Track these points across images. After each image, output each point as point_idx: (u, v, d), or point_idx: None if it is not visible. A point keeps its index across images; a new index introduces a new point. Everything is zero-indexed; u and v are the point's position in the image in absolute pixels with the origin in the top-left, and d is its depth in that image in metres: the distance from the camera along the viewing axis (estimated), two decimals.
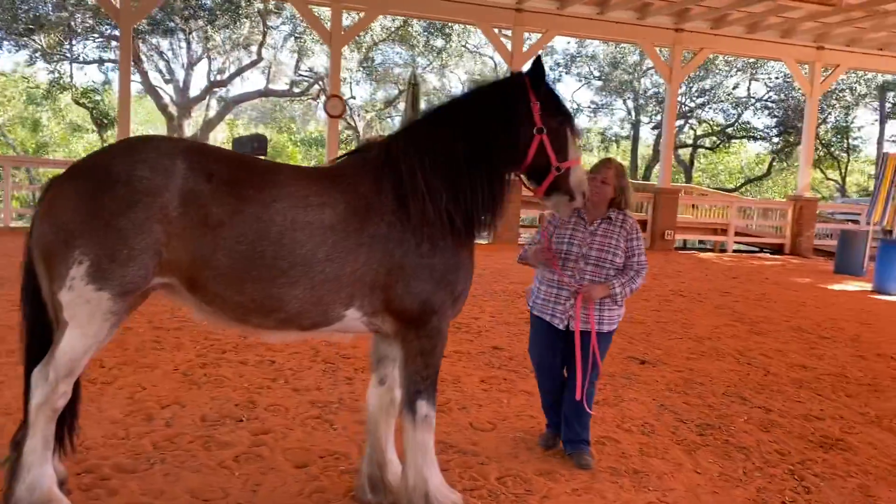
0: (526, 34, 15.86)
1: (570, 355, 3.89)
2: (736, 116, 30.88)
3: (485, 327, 7.21)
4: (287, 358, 5.68)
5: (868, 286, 12.63)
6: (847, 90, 28.15)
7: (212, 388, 4.88)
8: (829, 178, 35.11)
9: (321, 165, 3.57)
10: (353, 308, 3.06)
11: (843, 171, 33.37)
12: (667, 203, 17.06)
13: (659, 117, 29.65)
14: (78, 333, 2.82)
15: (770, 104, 29.57)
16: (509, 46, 15.57)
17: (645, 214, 17.55)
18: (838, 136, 31.70)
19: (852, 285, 12.89)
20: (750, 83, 30.39)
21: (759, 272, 14.12)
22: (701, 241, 20.85)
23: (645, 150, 35.08)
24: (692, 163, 33.54)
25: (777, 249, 18.62)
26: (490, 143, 3.17)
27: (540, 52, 13.85)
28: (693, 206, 20.74)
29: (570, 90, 31.65)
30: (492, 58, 28.19)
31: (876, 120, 32.27)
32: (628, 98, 32.33)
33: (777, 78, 28.38)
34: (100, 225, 2.74)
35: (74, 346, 2.83)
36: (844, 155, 32.60)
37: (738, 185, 34.96)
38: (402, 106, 23.75)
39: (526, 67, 3.30)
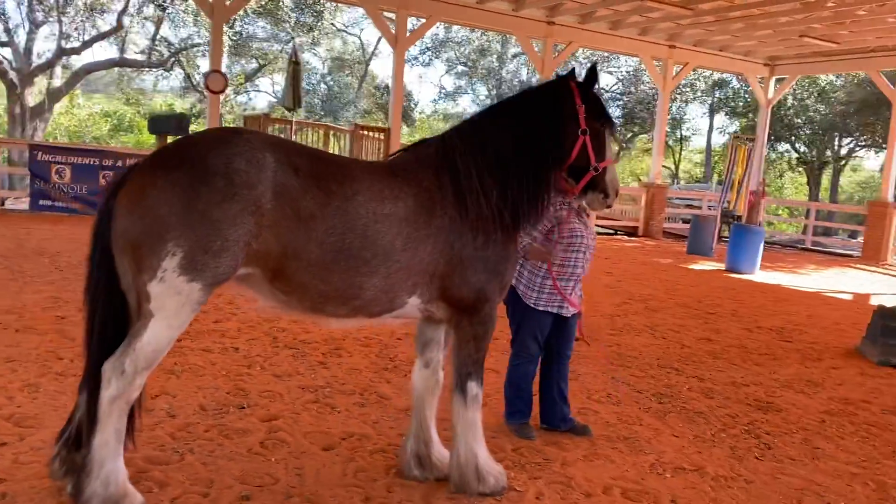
0: (411, 18, 16.02)
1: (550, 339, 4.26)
2: None
3: None
4: (248, 345, 5.65)
5: (720, 265, 14.09)
6: (689, 86, 30.73)
7: (191, 377, 4.79)
8: (663, 166, 38.16)
9: (382, 161, 3.60)
10: (415, 296, 3.24)
11: (675, 159, 36.40)
12: None
13: None
14: (164, 325, 2.82)
15: (619, 96, 31.68)
16: (393, 30, 15.69)
17: None
18: (672, 128, 34.55)
19: (707, 265, 14.32)
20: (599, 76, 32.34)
21: (626, 253, 15.33)
22: None
23: None
24: None
25: (632, 232, 20.16)
26: (537, 142, 3.39)
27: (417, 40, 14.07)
28: None
29: (438, 74, 31.98)
30: (359, 37, 28.06)
31: (705, 113, 35.49)
32: (493, 86, 33.34)
33: (627, 72, 30.47)
34: (195, 217, 2.74)
35: (159, 337, 2.83)
36: (678, 145, 35.57)
37: None
38: (281, 82, 22.95)
39: (562, 72, 3.63)
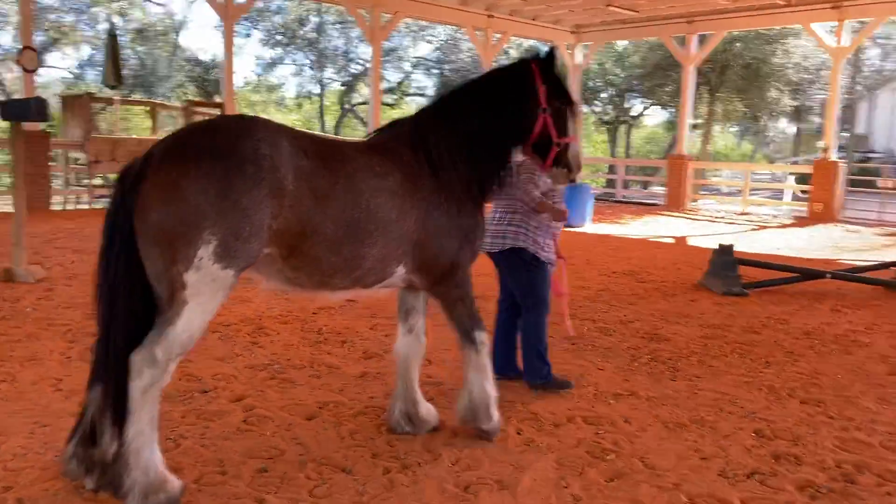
0: None
1: None
2: (407, 75, 33.38)
3: None
4: None
5: None
6: (504, 54, 32.14)
7: None
8: None
9: (363, 141, 3.77)
10: (401, 265, 3.49)
11: None
12: None
13: (345, 76, 30.65)
14: (199, 311, 2.88)
15: (437, 64, 32.51)
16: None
17: None
18: None
19: None
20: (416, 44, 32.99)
21: None
22: None
23: (333, 107, 35.88)
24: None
25: None
26: (500, 120, 3.69)
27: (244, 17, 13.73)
28: None
29: (254, 47, 30.82)
30: (165, 6, 26.36)
31: None
32: (311, 55, 32.79)
33: (446, 41, 31.30)
34: (228, 204, 2.81)
35: (194, 324, 2.89)
36: None
37: None
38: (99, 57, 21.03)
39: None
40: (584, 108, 22.65)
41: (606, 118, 34.91)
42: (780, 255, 11.07)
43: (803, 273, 8.40)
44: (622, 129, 36.12)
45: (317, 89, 34.38)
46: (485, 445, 3.73)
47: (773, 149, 48.28)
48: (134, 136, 15.06)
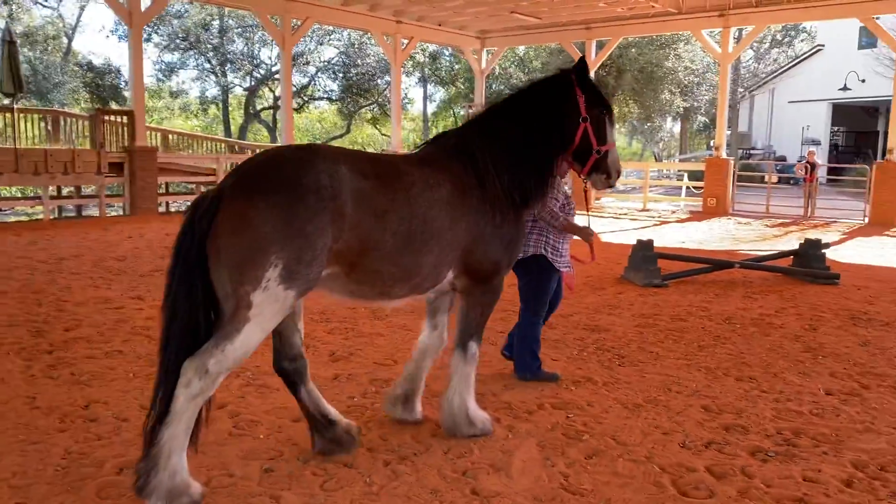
0: None
1: None
2: (312, 79, 33.12)
3: None
4: (127, 346, 5.56)
5: None
6: (410, 58, 32.48)
7: (104, 383, 4.74)
8: (384, 134, 39.97)
9: (413, 152, 3.96)
10: (451, 270, 3.70)
11: None
12: None
13: (249, 81, 30.09)
14: (258, 329, 3.08)
15: (342, 68, 32.45)
16: (127, 6, 14.71)
17: None
18: (387, 98, 36.34)
19: None
20: (316, 48, 32.81)
21: None
22: None
23: (236, 112, 35.11)
24: (275, 124, 34.97)
25: None
26: (542, 131, 3.83)
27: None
28: None
29: (153, 51, 29.60)
30: (57, 10, 25.19)
31: (416, 83, 37.79)
32: (214, 60, 32.01)
33: (351, 45, 31.29)
34: (293, 232, 3.04)
35: (251, 341, 3.09)
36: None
37: (323, 142, 37.55)
38: None
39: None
40: None
41: None
42: (686, 248, 11.90)
43: (714, 264, 9.14)
44: None
45: (220, 94, 33.66)
46: (473, 438, 4.01)
47: (661, 147, 50.85)
48: (39, 147, 14.37)
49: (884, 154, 32.94)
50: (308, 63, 31.93)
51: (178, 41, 30.05)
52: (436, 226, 3.51)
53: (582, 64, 3.95)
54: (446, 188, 3.58)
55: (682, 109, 31.51)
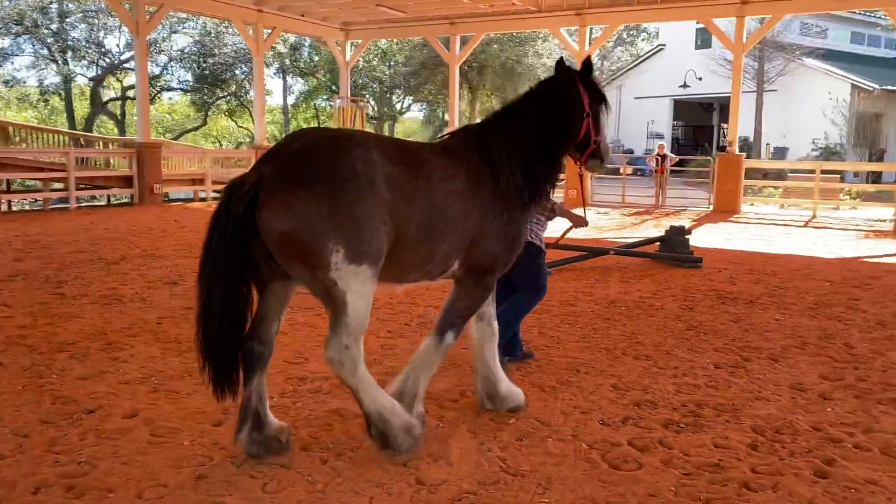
0: None
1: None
2: (164, 68, 31.39)
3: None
4: (6, 357, 5.11)
5: None
6: (272, 49, 31.50)
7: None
8: (241, 127, 38.66)
9: (435, 143, 4.03)
10: (457, 260, 3.77)
11: (253, 119, 37.22)
12: (151, 157, 17.27)
13: (95, 70, 28.03)
14: (357, 296, 3.28)
15: (197, 58, 30.97)
16: None
17: (130, 170, 17.43)
18: (245, 90, 35.20)
19: None
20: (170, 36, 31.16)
21: None
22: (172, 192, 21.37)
23: (79, 103, 32.54)
24: (123, 115, 32.82)
25: None
26: (555, 128, 3.95)
27: None
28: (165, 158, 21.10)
29: None
30: None
31: (274, 73, 36.82)
32: (54, 46, 29.49)
33: (209, 34, 29.90)
34: (342, 219, 3.19)
35: (359, 307, 3.31)
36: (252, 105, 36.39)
37: (175, 135, 35.66)
38: None
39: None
40: (356, 104, 23.23)
41: (372, 114, 35.81)
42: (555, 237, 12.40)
43: (591, 251, 9.62)
44: (387, 124, 37.26)
45: (61, 84, 31.20)
46: None
47: None
48: None
49: (719, 147, 35.83)
50: (161, 52, 30.28)
51: (11, 25, 27.50)
52: (450, 215, 3.60)
53: (588, 64, 4.09)
54: (462, 179, 3.67)
55: None
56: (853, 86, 29.97)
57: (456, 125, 22.01)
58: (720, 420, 4.25)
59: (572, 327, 6.32)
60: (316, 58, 35.58)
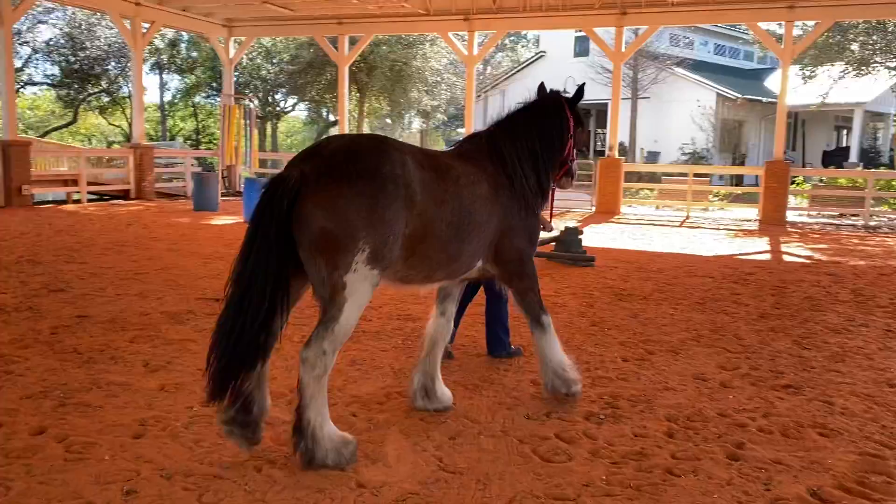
0: None
1: None
2: (27, 62, 29.20)
3: None
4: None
5: (238, 219, 15.17)
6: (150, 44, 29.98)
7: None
8: (113, 125, 36.64)
9: (452, 150, 4.37)
10: (481, 259, 4.11)
11: (128, 116, 35.37)
12: (19, 156, 16.11)
13: None
14: (356, 306, 3.42)
15: (67, 52, 29.05)
16: None
17: None
18: (118, 86, 33.43)
19: (227, 219, 15.25)
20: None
21: (141, 216, 15.19)
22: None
23: None
24: None
25: (123, 195, 19.54)
26: (552, 140, 4.46)
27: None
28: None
29: None
30: None
31: (151, 70, 35.15)
32: None
33: (78, 26, 28.07)
34: (377, 218, 3.35)
35: (352, 317, 3.43)
36: (126, 102, 34.60)
37: (40, 133, 33.18)
38: None
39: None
40: (244, 104, 22.33)
41: (257, 113, 34.93)
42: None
43: None
44: (270, 124, 36.42)
45: None
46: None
47: None
48: None
49: (596, 151, 37.30)
50: (24, 43, 28.21)
51: None
52: (476, 218, 3.90)
53: (579, 91, 4.62)
54: (484, 185, 4.01)
55: (429, 107, 33.01)
56: (718, 94, 32.10)
57: (345, 126, 21.90)
58: (636, 410, 4.48)
59: (482, 327, 6.44)
60: (195, 54, 34.28)
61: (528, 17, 19.18)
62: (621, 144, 30.32)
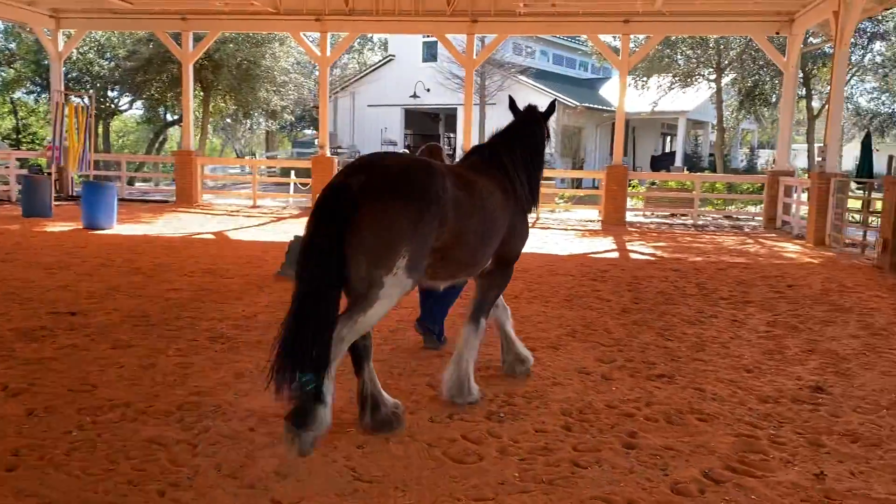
0: None
1: None
2: None
3: None
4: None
5: (76, 224, 14.03)
6: None
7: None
8: None
9: (466, 163, 4.86)
10: (490, 259, 4.55)
11: None
12: None
13: None
14: (384, 307, 3.80)
15: None
16: None
17: None
18: None
19: (62, 226, 14.05)
20: None
21: None
22: None
23: None
24: None
25: None
26: (538, 150, 5.06)
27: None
28: None
29: None
30: None
31: None
32: None
33: None
34: (418, 231, 3.77)
35: (377, 315, 3.82)
36: None
37: None
38: None
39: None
40: (78, 101, 20.35)
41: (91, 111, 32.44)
42: None
43: None
44: (102, 123, 33.96)
45: None
46: (238, 449, 3.81)
47: (244, 144, 51.21)
48: None
49: (447, 155, 37.73)
50: None
51: None
52: (495, 224, 4.43)
53: (551, 107, 5.18)
54: (499, 194, 4.53)
55: (279, 108, 32.16)
56: (559, 102, 33.72)
57: (190, 126, 20.81)
58: (532, 406, 4.62)
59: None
60: (13, 45, 31.35)
61: (381, 21, 19.20)
62: None
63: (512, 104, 5.25)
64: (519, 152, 4.88)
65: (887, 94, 30.36)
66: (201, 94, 26.66)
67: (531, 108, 5.16)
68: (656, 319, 7.33)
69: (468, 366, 4.59)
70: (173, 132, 44.58)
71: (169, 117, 34.36)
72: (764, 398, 4.95)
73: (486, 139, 5.16)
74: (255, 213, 18.51)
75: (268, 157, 40.13)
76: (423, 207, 3.79)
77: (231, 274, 9.16)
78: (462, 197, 4.11)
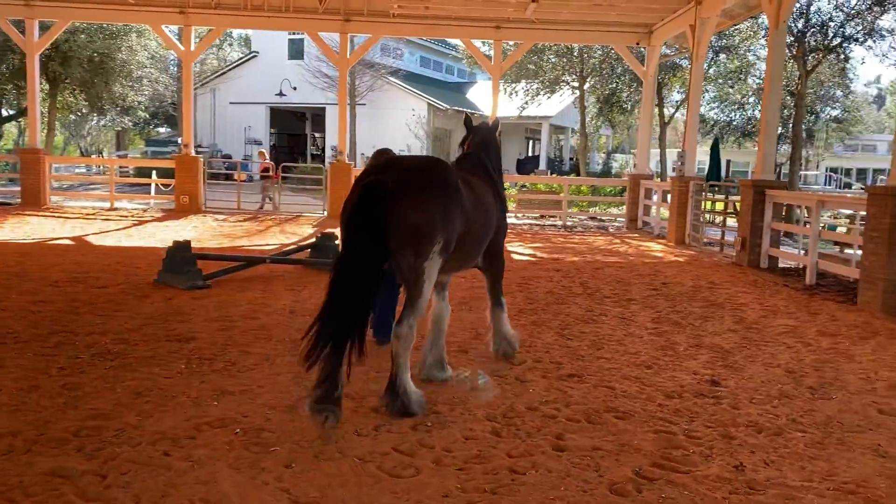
0: None
1: None
2: None
3: None
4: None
5: None
6: None
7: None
8: None
9: (460, 165, 5.48)
10: (482, 253, 5.25)
11: None
12: None
13: None
14: (429, 285, 4.40)
15: None
16: None
17: None
18: None
19: None
20: None
21: None
22: None
23: None
24: None
25: None
26: (499, 157, 5.91)
27: None
28: None
29: None
30: None
31: None
32: None
33: None
34: (448, 220, 4.37)
35: (426, 295, 4.40)
36: None
37: None
38: None
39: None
40: None
41: None
42: (211, 248, 11.72)
43: (248, 261, 9.33)
44: None
45: None
46: (156, 477, 3.48)
47: (90, 142, 47.95)
48: None
49: (312, 155, 37.29)
50: None
51: None
52: (490, 221, 5.09)
53: (495, 123, 6.19)
54: (490, 193, 5.23)
55: (135, 104, 30.19)
56: (429, 105, 33.98)
57: (37, 121, 19.09)
58: (457, 413, 4.56)
59: (268, 342, 6.09)
60: None
61: (249, 17, 18.52)
62: (336, 148, 30.73)
63: (467, 119, 6.04)
64: (493, 159, 5.72)
65: (725, 104, 32.83)
66: (47, 87, 24.53)
67: (491, 123, 6.10)
68: (552, 319, 7.49)
69: (508, 329, 5.78)
70: (9, 128, 40.90)
71: (3, 112, 31.42)
72: (669, 394, 5.15)
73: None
74: (113, 216, 17.27)
75: (119, 157, 37.72)
76: (449, 196, 4.42)
77: (103, 282, 8.47)
78: (468, 191, 4.73)
